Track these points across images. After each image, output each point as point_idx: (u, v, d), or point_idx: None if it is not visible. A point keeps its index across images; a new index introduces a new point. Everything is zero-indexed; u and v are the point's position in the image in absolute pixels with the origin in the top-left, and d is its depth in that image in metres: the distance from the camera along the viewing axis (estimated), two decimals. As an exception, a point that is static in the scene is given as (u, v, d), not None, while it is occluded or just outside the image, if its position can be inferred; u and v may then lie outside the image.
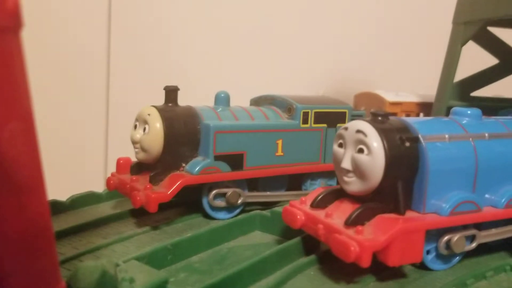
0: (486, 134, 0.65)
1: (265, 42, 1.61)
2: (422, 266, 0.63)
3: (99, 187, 0.88)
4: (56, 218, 0.79)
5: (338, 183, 0.67)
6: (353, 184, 0.62)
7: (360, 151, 0.60)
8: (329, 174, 0.93)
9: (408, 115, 1.26)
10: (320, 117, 0.90)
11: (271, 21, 1.62)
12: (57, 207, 0.81)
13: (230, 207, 0.82)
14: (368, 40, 1.72)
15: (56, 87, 1.48)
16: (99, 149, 1.55)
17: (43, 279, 0.38)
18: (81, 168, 1.51)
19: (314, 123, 0.90)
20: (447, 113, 0.72)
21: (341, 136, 0.64)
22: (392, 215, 0.59)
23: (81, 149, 1.53)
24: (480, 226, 0.65)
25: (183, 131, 0.79)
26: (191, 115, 0.81)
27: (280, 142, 0.86)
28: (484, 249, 0.67)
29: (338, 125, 0.92)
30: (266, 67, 1.60)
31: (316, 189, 0.69)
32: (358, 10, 1.71)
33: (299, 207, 0.66)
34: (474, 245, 0.64)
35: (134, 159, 0.82)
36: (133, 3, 1.51)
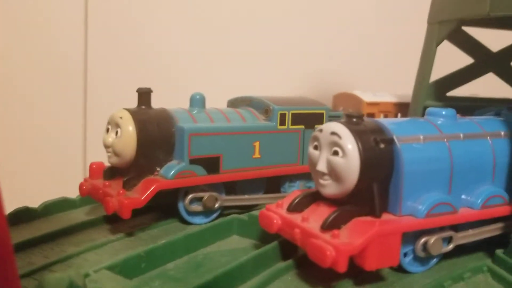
0: (461, 135, 0.65)
1: (243, 43, 1.61)
2: (399, 269, 0.63)
3: (77, 193, 0.86)
4: (28, 225, 0.77)
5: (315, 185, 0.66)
6: (329, 187, 0.61)
7: (335, 153, 0.59)
8: (307, 176, 0.92)
9: (385, 115, 1.26)
10: (298, 119, 0.90)
11: (249, 22, 1.61)
12: (29, 214, 0.80)
13: (207, 212, 0.81)
14: (346, 41, 1.72)
15: (32, 90, 1.45)
16: (76, 153, 1.52)
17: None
18: (58, 173, 1.48)
19: (292, 124, 0.89)
20: (424, 113, 0.72)
21: (316, 138, 0.63)
22: (368, 218, 0.59)
23: (58, 154, 1.50)
24: (457, 227, 0.65)
25: (156, 134, 0.77)
26: (165, 117, 0.80)
27: (257, 144, 0.85)
28: (461, 250, 0.67)
29: (316, 126, 0.91)
30: (243, 68, 1.59)
31: (293, 192, 0.68)
32: (336, 12, 1.71)
33: (276, 211, 0.65)
34: (451, 246, 0.64)
35: (107, 163, 0.80)
36: (109, 5, 1.49)
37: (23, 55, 1.43)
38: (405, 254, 0.62)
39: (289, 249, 0.66)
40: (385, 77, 1.61)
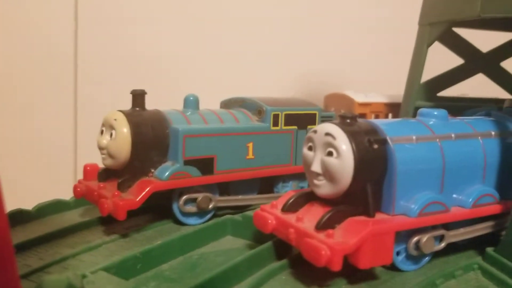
0: (453, 135, 0.66)
1: (235, 44, 1.61)
2: (392, 267, 0.64)
3: (69, 195, 0.85)
4: (22, 228, 0.77)
5: (309, 186, 0.67)
6: (323, 187, 0.62)
7: (330, 154, 0.60)
8: (300, 176, 0.93)
9: (377, 116, 1.27)
10: (291, 119, 0.90)
11: (242, 23, 1.61)
12: (23, 217, 0.79)
13: (201, 212, 0.81)
14: (337, 42, 1.73)
15: (21, 92, 1.44)
16: (67, 155, 1.52)
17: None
18: (50, 175, 1.48)
19: (285, 125, 0.90)
20: (415, 113, 0.73)
21: (310, 139, 0.64)
22: (362, 218, 0.59)
23: (49, 155, 1.49)
24: (448, 226, 0.66)
25: (151, 135, 0.78)
26: (159, 119, 0.80)
27: (250, 145, 0.86)
28: (453, 248, 0.68)
29: (309, 126, 0.92)
30: (236, 69, 1.59)
31: (287, 192, 0.69)
32: (327, 13, 1.72)
33: (270, 211, 0.66)
34: (443, 245, 0.65)
35: (101, 165, 0.81)
36: (100, 4, 1.48)
37: (12, 56, 1.42)
38: (398, 253, 0.63)
39: (283, 249, 0.67)
40: (376, 78, 1.62)
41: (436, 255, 0.67)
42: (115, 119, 0.76)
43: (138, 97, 0.81)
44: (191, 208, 0.80)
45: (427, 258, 0.66)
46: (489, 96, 1.20)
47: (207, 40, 1.58)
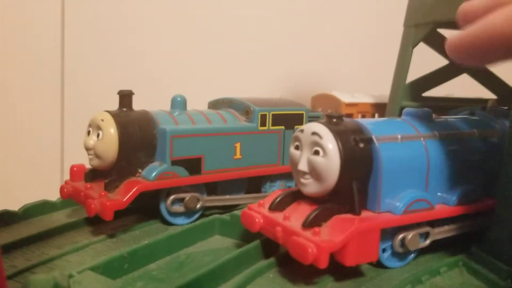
0: (437, 134, 0.67)
1: (222, 45, 1.61)
2: (378, 265, 0.64)
3: (55, 195, 0.85)
4: (8, 228, 0.77)
5: (296, 185, 0.67)
6: (310, 186, 0.63)
7: (316, 153, 0.61)
8: (288, 176, 0.93)
9: (363, 116, 1.29)
10: (278, 119, 0.91)
11: (228, 24, 1.62)
12: (9, 217, 0.79)
13: (188, 212, 0.81)
14: (323, 43, 1.74)
15: (8, 92, 1.43)
16: (54, 155, 1.51)
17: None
18: (36, 176, 1.46)
19: (272, 125, 0.90)
20: (400, 113, 0.74)
21: (297, 139, 0.65)
22: (348, 216, 0.60)
23: (35, 156, 1.48)
24: (433, 223, 0.67)
25: (138, 136, 0.78)
26: (146, 119, 0.80)
27: (238, 145, 0.86)
28: (438, 245, 0.69)
29: (296, 127, 0.92)
30: (223, 70, 1.60)
31: (274, 191, 0.69)
32: (314, 14, 1.73)
33: (257, 210, 0.66)
34: (428, 242, 0.66)
35: (88, 166, 0.80)
36: (87, 5, 1.48)
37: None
38: (384, 250, 0.64)
39: (271, 248, 0.67)
40: (363, 79, 1.64)
41: (422, 252, 0.68)
42: (102, 120, 0.76)
43: (125, 97, 0.81)
44: (179, 208, 0.80)
45: (412, 255, 0.67)
46: (474, 96, 1.22)
47: (194, 41, 1.59)
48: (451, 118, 0.76)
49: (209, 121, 0.85)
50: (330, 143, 0.60)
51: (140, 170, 0.78)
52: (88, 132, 0.78)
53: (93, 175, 0.80)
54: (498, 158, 0.69)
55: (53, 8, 1.45)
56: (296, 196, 0.66)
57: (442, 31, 1.15)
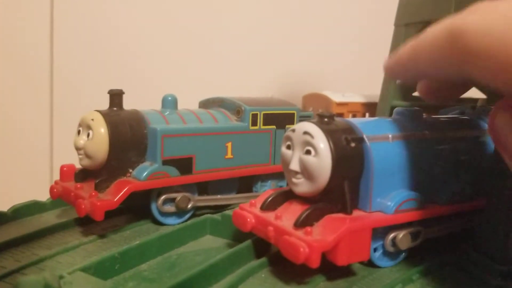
0: (427, 133, 0.68)
1: (213, 45, 1.61)
2: (370, 264, 0.65)
3: (45, 196, 0.84)
4: (-3, 229, 0.76)
5: (288, 184, 0.67)
6: (301, 185, 0.63)
7: (308, 152, 0.61)
8: (279, 176, 0.93)
9: (354, 115, 1.29)
10: (269, 119, 0.91)
11: (220, 23, 1.62)
12: (-2, 218, 0.78)
13: (180, 212, 0.81)
14: (314, 43, 1.74)
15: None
16: (44, 156, 1.50)
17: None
18: (26, 176, 1.45)
19: (263, 124, 0.90)
20: (391, 113, 0.74)
21: (288, 138, 0.65)
22: (340, 215, 0.60)
23: (25, 156, 1.47)
24: (424, 222, 0.67)
25: (129, 136, 0.77)
26: (137, 119, 0.79)
27: (229, 144, 0.86)
28: (429, 244, 0.69)
29: (287, 126, 0.92)
30: (214, 69, 1.59)
31: (266, 191, 0.69)
32: (306, 15, 1.73)
33: (249, 210, 0.66)
34: (419, 241, 0.66)
35: (78, 165, 0.80)
36: (76, 4, 1.47)
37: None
38: (375, 249, 0.64)
39: (263, 247, 0.67)
40: (353, 78, 1.64)
41: (413, 251, 0.68)
42: (92, 119, 0.76)
43: (116, 97, 0.80)
44: (170, 208, 0.80)
45: (403, 254, 0.67)
46: (464, 96, 1.22)
47: (185, 40, 1.58)
48: (441, 117, 0.76)
49: (200, 121, 0.85)
50: (321, 143, 0.60)
51: (130, 170, 0.78)
52: (78, 132, 0.77)
53: (83, 175, 0.79)
54: (488, 157, 0.70)
55: (42, 8, 1.43)
56: (288, 195, 0.66)
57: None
